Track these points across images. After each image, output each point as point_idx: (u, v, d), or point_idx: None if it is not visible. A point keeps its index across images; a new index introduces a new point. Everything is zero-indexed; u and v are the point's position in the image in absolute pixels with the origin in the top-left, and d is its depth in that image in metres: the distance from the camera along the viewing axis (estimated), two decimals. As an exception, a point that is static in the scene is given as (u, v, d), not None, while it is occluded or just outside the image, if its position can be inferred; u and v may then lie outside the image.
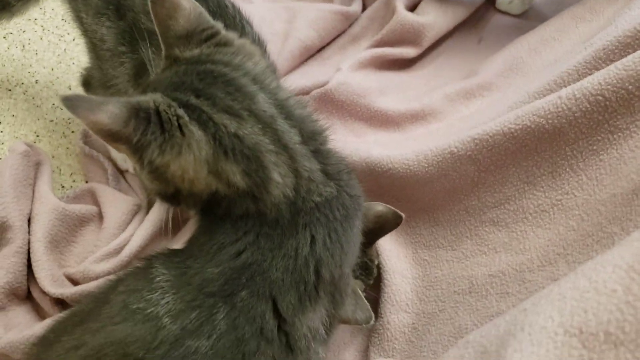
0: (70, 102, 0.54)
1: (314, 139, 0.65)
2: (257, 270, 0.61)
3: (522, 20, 1.38)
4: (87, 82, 1.08)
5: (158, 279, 0.61)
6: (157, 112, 0.58)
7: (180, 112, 0.59)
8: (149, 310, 0.58)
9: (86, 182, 1.16)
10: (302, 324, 0.62)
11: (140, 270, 0.64)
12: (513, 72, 1.18)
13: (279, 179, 0.61)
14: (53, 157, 1.20)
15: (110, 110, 0.55)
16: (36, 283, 0.97)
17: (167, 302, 0.58)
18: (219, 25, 0.68)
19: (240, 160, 0.59)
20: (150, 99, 0.59)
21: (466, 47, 1.34)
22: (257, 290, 0.60)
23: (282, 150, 0.61)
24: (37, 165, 1.10)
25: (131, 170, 1.14)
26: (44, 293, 0.96)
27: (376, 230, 0.86)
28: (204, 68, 0.62)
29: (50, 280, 0.96)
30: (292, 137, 0.62)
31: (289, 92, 0.67)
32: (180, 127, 0.58)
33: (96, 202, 1.09)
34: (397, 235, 0.99)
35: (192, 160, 0.59)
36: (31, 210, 1.03)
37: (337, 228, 0.63)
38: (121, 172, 1.16)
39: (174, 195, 0.63)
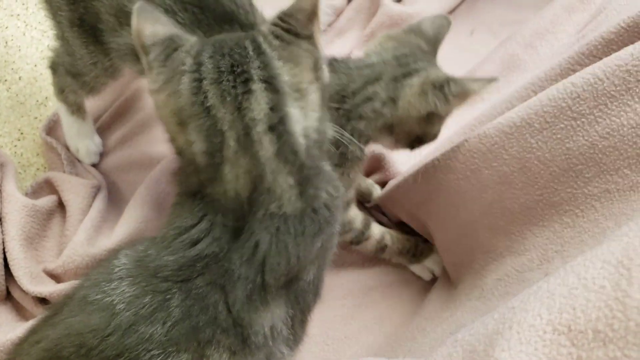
0: (141, 7, 0.64)
1: (298, 162, 0.62)
2: (213, 259, 0.61)
3: (514, 9, 1.37)
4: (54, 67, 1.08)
5: (117, 269, 0.61)
6: (175, 49, 0.63)
7: (188, 61, 0.62)
8: (105, 300, 0.58)
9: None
10: (255, 321, 0.62)
11: (103, 263, 0.65)
12: (511, 71, 1.18)
13: (231, 178, 0.60)
14: (37, 154, 1.19)
15: (156, 29, 0.64)
16: (15, 283, 0.98)
17: (123, 290, 0.59)
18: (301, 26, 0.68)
19: (205, 134, 0.60)
20: (186, 39, 0.64)
21: (458, 39, 1.32)
22: (211, 279, 0.60)
23: (244, 154, 0.60)
24: (1, 166, 1.11)
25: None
26: (25, 292, 0.97)
27: None
28: (243, 42, 0.63)
29: (29, 278, 0.97)
30: (265, 147, 0.60)
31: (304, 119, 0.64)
32: (175, 69, 0.61)
33: (55, 192, 1.10)
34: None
35: (165, 100, 0.62)
36: (0, 210, 1.03)
37: (287, 242, 0.62)
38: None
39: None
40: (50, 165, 1.18)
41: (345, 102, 0.85)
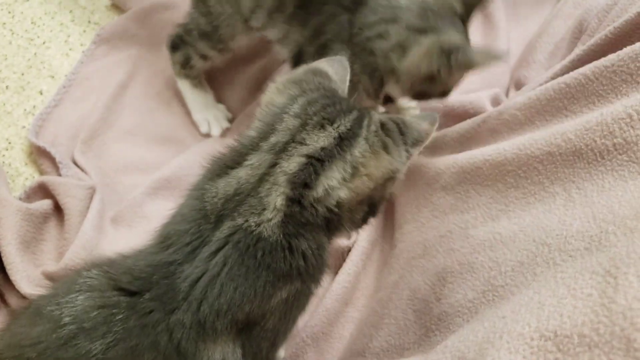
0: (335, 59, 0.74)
1: (304, 197, 0.62)
2: (168, 272, 0.58)
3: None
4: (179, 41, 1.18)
5: (82, 281, 0.59)
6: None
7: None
8: (54, 312, 0.56)
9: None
10: (202, 353, 0.58)
11: (72, 274, 0.63)
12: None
13: (249, 166, 0.62)
14: (26, 164, 1.18)
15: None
16: (11, 289, 0.97)
17: (75, 303, 0.56)
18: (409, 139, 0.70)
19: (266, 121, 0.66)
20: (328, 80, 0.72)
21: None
22: (157, 294, 0.57)
23: (271, 155, 0.62)
24: (-9, 171, 1.10)
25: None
26: (23, 298, 0.95)
27: None
28: (352, 107, 0.68)
29: (27, 281, 0.96)
30: (288, 165, 0.61)
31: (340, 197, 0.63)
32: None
33: (50, 196, 1.09)
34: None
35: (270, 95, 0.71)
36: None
37: (243, 273, 0.59)
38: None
39: None
40: (42, 170, 1.17)
41: (361, 33, 0.90)
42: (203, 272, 0.58)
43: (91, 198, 1.08)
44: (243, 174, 0.62)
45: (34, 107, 1.25)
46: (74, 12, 1.39)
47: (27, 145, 1.20)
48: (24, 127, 1.23)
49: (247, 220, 0.60)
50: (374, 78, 0.91)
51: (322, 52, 0.95)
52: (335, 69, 0.73)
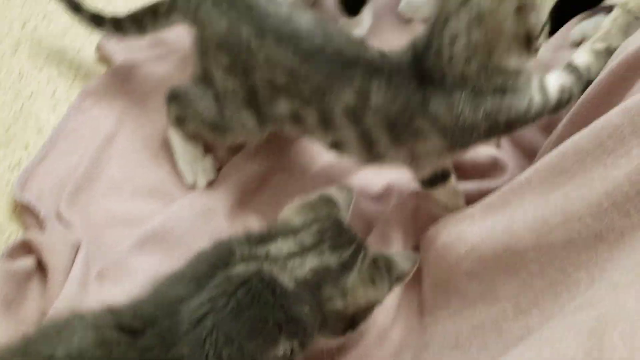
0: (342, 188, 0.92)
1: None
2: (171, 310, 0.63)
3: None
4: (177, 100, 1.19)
5: (78, 319, 0.63)
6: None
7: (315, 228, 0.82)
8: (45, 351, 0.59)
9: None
10: None
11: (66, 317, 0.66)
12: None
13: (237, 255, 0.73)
14: (10, 219, 1.17)
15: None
16: None
17: (72, 340, 0.59)
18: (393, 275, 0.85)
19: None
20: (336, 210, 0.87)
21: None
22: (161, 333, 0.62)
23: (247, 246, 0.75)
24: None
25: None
26: None
27: None
28: (354, 239, 0.84)
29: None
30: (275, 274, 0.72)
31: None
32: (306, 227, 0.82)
33: (34, 252, 1.08)
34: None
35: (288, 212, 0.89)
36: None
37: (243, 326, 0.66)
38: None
39: None
40: (27, 226, 1.16)
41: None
42: (208, 310, 0.64)
43: (76, 254, 1.07)
44: (275, 246, 0.75)
45: (20, 161, 1.25)
46: (60, 66, 1.41)
47: (12, 200, 1.19)
48: (9, 181, 1.22)
49: (262, 267, 0.71)
50: None
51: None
52: (342, 197, 0.88)
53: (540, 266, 0.76)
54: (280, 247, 0.74)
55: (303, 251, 0.75)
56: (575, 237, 0.71)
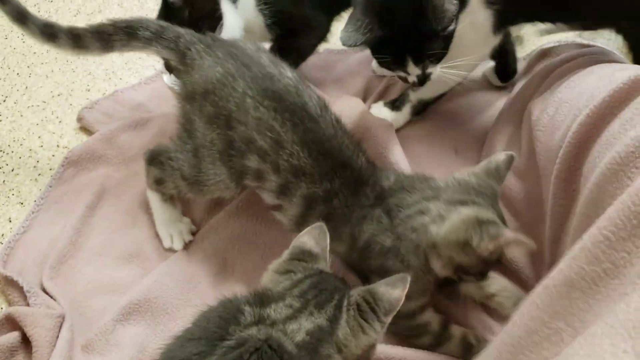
0: (317, 226, 0.88)
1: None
2: None
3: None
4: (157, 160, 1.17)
5: None
6: (301, 259, 0.85)
7: (299, 275, 0.82)
8: None
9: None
10: None
11: None
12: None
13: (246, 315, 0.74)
14: (-5, 294, 1.17)
15: (306, 241, 0.86)
16: None
17: None
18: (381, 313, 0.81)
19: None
20: (316, 261, 0.85)
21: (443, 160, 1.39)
22: None
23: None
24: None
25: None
26: None
27: None
28: (335, 293, 0.81)
29: None
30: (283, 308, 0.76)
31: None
32: (289, 271, 0.83)
33: (19, 327, 1.07)
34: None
35: (268, 276, 0.86)
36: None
37: None
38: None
39: None
40: (11, 300, 1.15)
41: (400, 213, 0.96)
42: None
43: (60, 327, 1.07)
44: (270, 310, 0.75)
45: (3, 235, 1.26)
46: (42, 138, 1.43)
47: (-4, 275, 1.19)
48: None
49: (271, 333, 0.72)
50: (419, 256, 0.95)
51: (365, 251, 1.00)
52: (317, 239, 0.87)
53: (518, 314, 0.76)
54: (278, 311, 0.75)
55: (295, 315, 0.75)
56: (548, 283, 0.71)
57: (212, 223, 1.24)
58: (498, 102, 1.48)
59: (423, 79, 1.16)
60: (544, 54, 1.46)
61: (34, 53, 1.60)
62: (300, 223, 1.00)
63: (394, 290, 0.80)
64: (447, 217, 0.92)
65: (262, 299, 0.77)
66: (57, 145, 1.42)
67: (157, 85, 1.55)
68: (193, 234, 1.24)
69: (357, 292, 0.81)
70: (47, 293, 1.15)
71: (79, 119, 1.46)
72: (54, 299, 1.14)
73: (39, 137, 1.43)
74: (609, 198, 0.74)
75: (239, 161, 1.03)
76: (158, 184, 1.19)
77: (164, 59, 1.19)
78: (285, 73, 1.03)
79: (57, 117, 1.48)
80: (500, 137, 1.32)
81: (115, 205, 1.30)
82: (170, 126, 1.38)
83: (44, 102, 1.50)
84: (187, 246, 1.22)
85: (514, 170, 1.24)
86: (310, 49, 1.43)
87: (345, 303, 0.79)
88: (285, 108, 0.98)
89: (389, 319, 0.80)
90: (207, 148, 1.06)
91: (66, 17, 1.71)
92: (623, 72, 0.93)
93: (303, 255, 0.85)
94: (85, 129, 1.45)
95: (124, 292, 1.15)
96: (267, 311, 0.75)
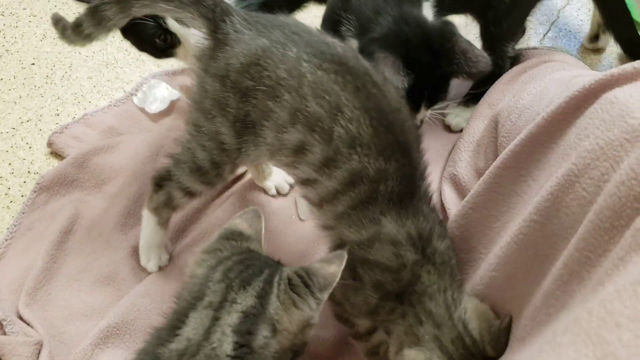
0: (250, 210, 0.87)
1: (244, 344, 0.71)
2: None
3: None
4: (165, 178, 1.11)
5: None
6: (231, 238, 0.83)
7: (226, 253, 0.80)
8: None
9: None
10: None
11: None
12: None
13: (191, 325, 0.71)
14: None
15: (238, 223, 0.86)
16: None
17: None
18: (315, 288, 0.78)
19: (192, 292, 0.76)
20: (247, 240, 0.83)
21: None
22: None
23: (211, 312, 0.72)
24: None
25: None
26: None
27: None
28: (264, 268, 0.78)
29: None
30: (229, 318, 0.72)
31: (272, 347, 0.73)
32: (217, 249, 0.82)
33: None
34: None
35: (194, 261, 0.83)
36: None
37: None
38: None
39: None
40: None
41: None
42: None
43: (39, 354, 1.07)
44: (189, 330, 0.71)
45: (-21, 270, 1.25)
46: (13, 164, 1.43)
47: (-30, 305, 1.18)
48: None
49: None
50: None
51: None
52: (250, 222, 0.85)
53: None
54: (197, 327, 0.71)
55: (223, 310, 0.72)
56: (551, 312, 0.74)
57: (186, 241, 1.25)
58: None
59: (421, 123, 1.19)
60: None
61: (1, 79, 1.60)
62: (328, 201, 0.92)
63: (329, 266, 0.77)
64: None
65: (179, 317, 0.73)
66: (28, 172, 1.42)
67: (127, 107, 1.55)
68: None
69: (290, 268, 0.78)
70: (23, 320, 1.15)
71: (49, 144, 1.46)
72: (31, 326, 1.13)
73: (10, 164, 1.43)
74: (565, 209, 0.77)
75: (276, 135, 0.93)
76: (160, 208, 1.15)
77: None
78: (339, 42, 0.95)
79: (27, 143, 1.47)
80: (466, 143, 1.36)
81: (89, 229, 1.30)
82: (143, 148, 1.40)
83: (13, 128, 1.50)
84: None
85: (480, 174, 1.28)
86: None
87: (276, 278, 0.76)
88: (347, 70, 0.89)
89: (324, 296, 0.76)
90: (238, 122, 0.96)
91: (32, 42, 1.71)
92: (580, 79, 0.97)
93: (233, 235, 0.82)
94: (56, 154, 1.45)
95: (101, 316, 1.15)
96: (186, 329, 0.71)
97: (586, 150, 0.77)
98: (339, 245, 0.94)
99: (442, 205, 1.32)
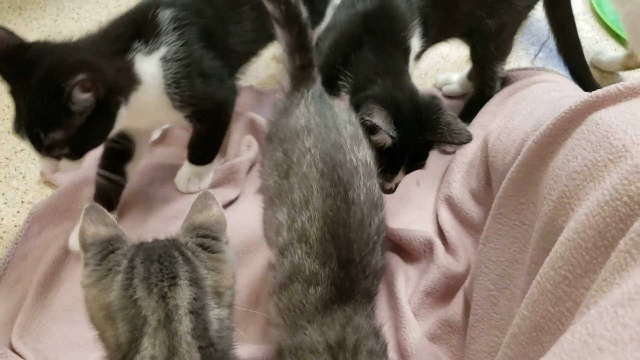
0: (89, 208, 0.77)
1: (208, 341, 0.71)
2: None
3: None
4: None
5: None
6: (112, 251, 0.74)
7: (123, 263, 0.73)
8: None
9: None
10: None
11: None
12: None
13: (148, 346, 0.68)
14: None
15: (98, 230, 0.75)
16: None
17: None
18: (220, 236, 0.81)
19: (130, 320, 0.69)
20: (124, 242, 0.76)
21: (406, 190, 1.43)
22: None
23: (163, 329, 0.69)
24: None
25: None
26: None
27: None
28: (171, 252, 0.75)
29: None
30: (184, 324, 0.70)
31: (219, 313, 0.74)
32: (110, 270, 0.72)
33: None
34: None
35: (96, 295, 0.72)
36: None
37: None
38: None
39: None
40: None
41: None
42: None
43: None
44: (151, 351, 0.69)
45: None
46: (6, 194, 1.44)
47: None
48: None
49: None
50: None
51: None
52: (101, 221, 0.78)
53: None
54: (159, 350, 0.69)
55: (174, 322, 0.70)
56: (516, 332, 0.75)
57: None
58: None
59: (395, 188, 1.22)
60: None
61: (-5, 110, 1.62)
62: (279, 292, 0.94)
63: (210, 210, 0.81)
64: None
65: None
66: (22, 201, 1.43)
67: (120, 135, 1.57)
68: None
69: (186, 237, 0.79)
70: (17, 353, 1.15)
71: (42, 174, 1.47)
72: (25, 359, 1.13)
73: (3, 194, 1.44)
74: (558, 231, 0.77)
75: (272, 212, 0.99)
76: None
77: None
78: (358, 154, 0.98)
79: (21, 173, 1.49)
80: (459, 165, 1.37)
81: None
82: (136, 176, 1.41)
83: (7, 158, 1.51)
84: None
85: (473, 194, 1.29)
86: (230, 116, 1.40)
87: (188, 252, 0.76)
88: (330, 177, 0.94)
89: (226, 236, 0.81)
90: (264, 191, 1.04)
91: None
92: (568, 99, 0.98)
93: (107, 246, 0.75)
94: (50, 183, 1.46)
95: (95, 347, 1.15)
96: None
97: (575, 172, 0.78)
98: (277, 350, 0.94)
99: (440, 227, 1.33)
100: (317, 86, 1.05)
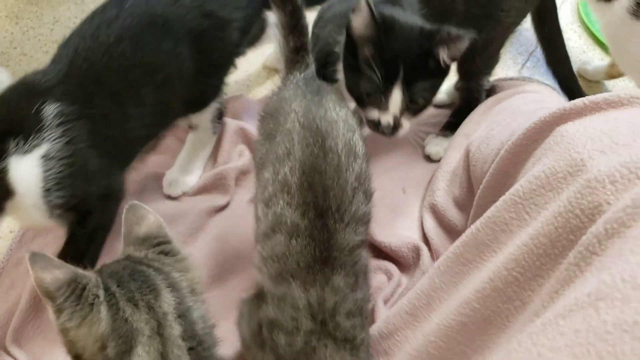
0: (33, 257, 0.73)
1: (197, 341, 0.76)
2: None
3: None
4: None
5: None
6: (84, 287, 0.73)
7: (101, 293, 0.74)
8: None
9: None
10: None
11: None
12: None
13: (144, 355, 0.72)
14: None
15: (55, 275, 0.72)
16: None
17: None
18: (171, 238, 0.86)
19: (122, 336, 0.73)
20: (85, 275, 0.75)
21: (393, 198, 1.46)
22: None
23: (157, 336, 0.74)
24: None
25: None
26: None
27: None
28: (138, 267, 0.79)
29: None
30: (175, 329, 0.75)
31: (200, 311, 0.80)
32: (92, 304, 0.73)
33: None
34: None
35: (87, 332, 0.72)
36: None
37: None
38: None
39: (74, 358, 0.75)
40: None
41: None
42: None
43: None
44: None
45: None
46: (2, 201, 1.47)
47: (-41, 343, 1.21)
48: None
49: None
50: None
51: None
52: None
53: (440, 351, 0.82)
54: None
55: (166, 328, 0.75)
56: (466, 321, 0.79)
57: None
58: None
59: (395, 127, 1.20)
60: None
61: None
62: (262, 241, 0.97)
63: (147, 220, 0.85)
64: None
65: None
66: (17, 208, 1.46)
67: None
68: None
69: (141, 251, 0.83)
70: (12, 357, 1.18)
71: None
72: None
73: (-1, 201, 1.47)
74: (502, 224, 0.82)
75: (262, 175, 1.02)
76: None
77: None
78: (339, 111, 1.03)
79: (17, 180, 1.52)
80: (443, 173, 1.40)
81: (75, 264, 1.33)
82: (128, 185, 1.44)
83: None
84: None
85: (456, 202, 1.33)
86: (114, 215, 1.27)
87: (154, 264, 0.80)
88: (309, 127, 0.98)
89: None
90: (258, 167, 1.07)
91: None
92: (542, 111, 1.02)
93: (76, 285, 0.73)
94: (45, 191, 1.49)
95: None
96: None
97: (533, 176, 0.81)
98: (260, 290, 0.97)
99: (425, 235, 1.36)
100: (310, 71, 1.11)
